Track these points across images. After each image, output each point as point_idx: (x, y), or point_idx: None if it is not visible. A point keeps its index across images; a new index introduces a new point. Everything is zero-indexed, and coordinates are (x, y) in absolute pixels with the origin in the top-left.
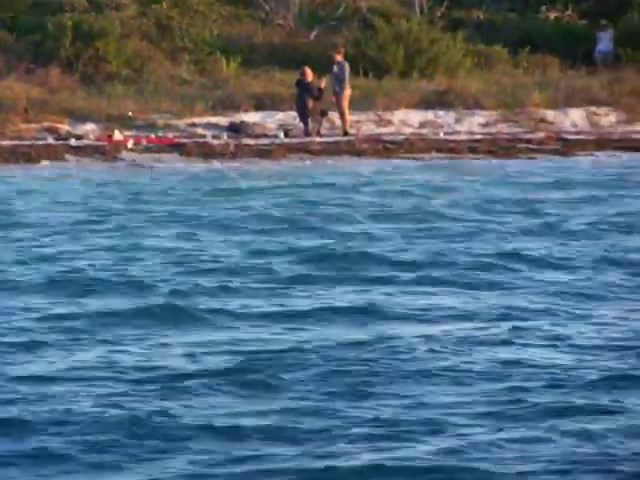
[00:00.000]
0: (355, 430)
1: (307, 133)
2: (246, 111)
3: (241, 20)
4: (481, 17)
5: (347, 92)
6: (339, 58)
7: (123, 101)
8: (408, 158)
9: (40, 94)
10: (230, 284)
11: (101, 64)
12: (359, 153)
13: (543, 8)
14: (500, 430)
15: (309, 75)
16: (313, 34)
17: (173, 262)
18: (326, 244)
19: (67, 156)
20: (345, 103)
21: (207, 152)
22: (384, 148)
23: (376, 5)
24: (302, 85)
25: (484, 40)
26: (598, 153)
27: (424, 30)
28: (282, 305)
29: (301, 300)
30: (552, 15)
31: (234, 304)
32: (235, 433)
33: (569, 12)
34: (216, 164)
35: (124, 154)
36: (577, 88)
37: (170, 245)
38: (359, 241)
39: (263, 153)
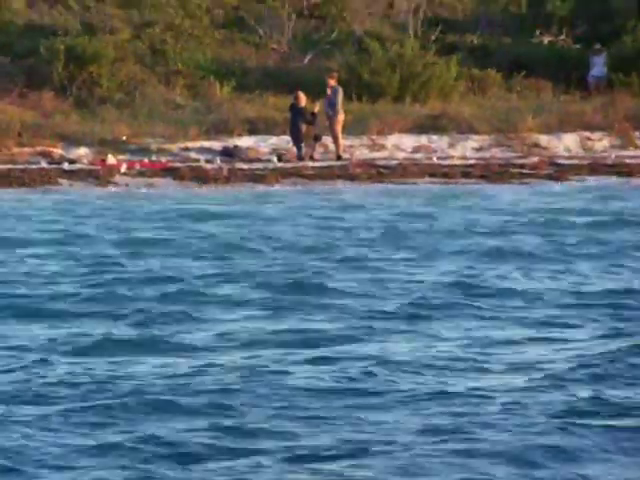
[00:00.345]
0: (294, 450)
1: (300, 158)
2: (239, 135)
3: (235, 44)
4: (475, 41)
5: (340, 117)
6: (332, 83)
7: (117, 125)
8: (401, 183)
9: (34, 118)
10: (172, 309)
11: (94, 88)
12: (352, 178)
13: (537, 32)
14: (440, 456)
15: (302, 99)
16: (307, 58)
17: (126, 285)
18: (265, 272)
19: (60, 180)
20: (338, 127)
21: (200, 176)
22: (377, 173)
23: (370, 29)
24: (295, 109)
25: (478, 64)
26: (590, 178)
27: (418, 54)
28: (223, 330)
29: (241, 325)
30: (546, 39)
31: (177, 329)
32: (179, 454)
33: (563, 37)
34: (199, 189)
35: (117, 178)
36: (571, 113)
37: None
38: (310, 269)
39: (256, 178)
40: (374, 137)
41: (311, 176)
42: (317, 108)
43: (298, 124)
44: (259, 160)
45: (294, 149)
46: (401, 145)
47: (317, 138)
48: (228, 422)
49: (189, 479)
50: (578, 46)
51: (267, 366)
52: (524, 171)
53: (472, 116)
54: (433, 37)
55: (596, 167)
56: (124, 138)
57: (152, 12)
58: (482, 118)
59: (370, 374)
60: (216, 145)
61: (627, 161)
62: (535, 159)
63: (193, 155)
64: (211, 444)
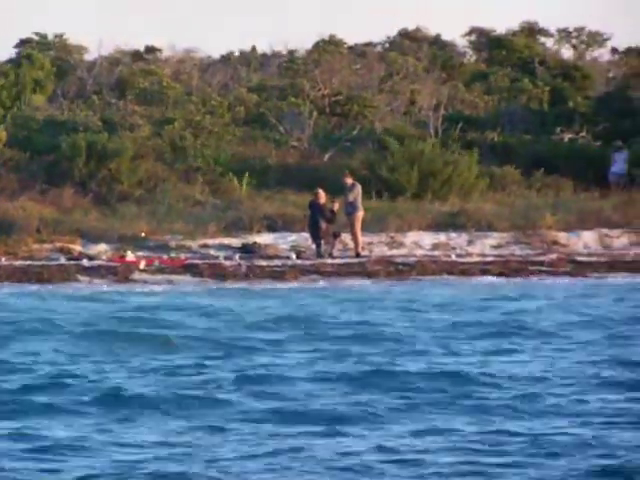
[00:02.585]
0: None
1: (319, 255)
2: (259, 232)
3: (255, 141)
4: (495, 139)
5: (360, 214)
6: (349, 181)
7: (136, 221)
8: (419, 280)
9: (53, 214)
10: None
11: (114, 184)
12: (370, 275)
13: (558, 130)
14: None
15: (322, 197)
16: (327, 155)
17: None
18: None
19: (79, 277)
20: (358, 225)
21: (219, 273)
22: (396, 270)
23: (391, 126)
24: (315, 207)
25: (498, 162)
26: (609, 275)
27: (438, 152)
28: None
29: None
30: (567, 137)
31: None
32: None
33: (583, 134)
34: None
35: (136, 275)
36: (590, 210)
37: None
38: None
39: (275, 274)
40: (393, 234)
41: (330, 273)
42: (336, 206)
43: (317, 221)
44: (278, 257)
45: (313, 246)
46: (420, 242)
47: (336, 235)
48: None
49: None
50: (599, 143)
51: None
52: (542, 268)
53: (491, 213)
54: (454, 135)
55: (615, 264)
56: (143, 235)
57: (172, 109)
58: (501, 215)
59: None
60: (235, 242)
61: None
62: (553, 256)
63: (212, 252)
64: None
